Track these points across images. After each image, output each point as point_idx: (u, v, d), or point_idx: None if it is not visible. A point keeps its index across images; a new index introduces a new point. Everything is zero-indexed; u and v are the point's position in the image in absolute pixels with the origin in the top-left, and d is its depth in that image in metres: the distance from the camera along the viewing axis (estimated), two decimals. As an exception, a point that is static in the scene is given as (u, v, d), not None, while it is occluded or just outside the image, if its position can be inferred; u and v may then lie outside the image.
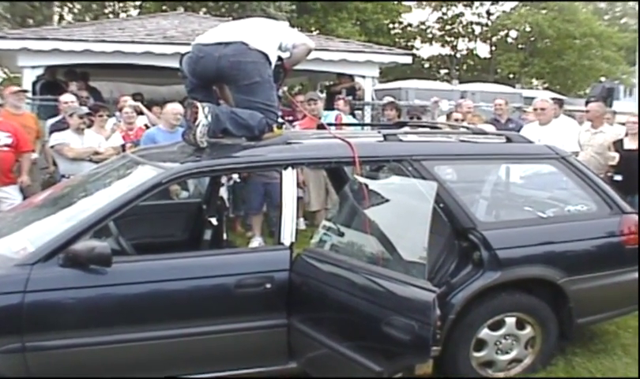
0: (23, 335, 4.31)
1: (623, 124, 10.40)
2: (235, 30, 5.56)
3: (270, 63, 5.52)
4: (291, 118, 10.67)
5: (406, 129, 6.97)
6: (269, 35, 5.61)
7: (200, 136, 5.14)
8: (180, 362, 4.73)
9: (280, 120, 5.80)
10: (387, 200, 5.10)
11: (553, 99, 11.35)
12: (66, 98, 10.06)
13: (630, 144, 9.39)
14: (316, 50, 14.09)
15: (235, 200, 10.87)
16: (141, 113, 10.59)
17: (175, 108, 8.81)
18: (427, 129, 7.33)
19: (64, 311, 4.44)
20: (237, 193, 10.65)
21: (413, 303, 4.11)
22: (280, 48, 5.69)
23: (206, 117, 5.14)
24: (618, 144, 9.45)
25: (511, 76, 41.41)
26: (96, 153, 8.65)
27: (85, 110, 9.32)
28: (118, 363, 4.58)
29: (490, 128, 9.25)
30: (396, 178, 5.37)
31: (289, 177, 5.09)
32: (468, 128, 7.40)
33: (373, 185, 5.22)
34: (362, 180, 5.24)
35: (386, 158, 5.49)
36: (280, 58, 5.71)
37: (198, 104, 5.18)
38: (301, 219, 10.44)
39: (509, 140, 6.14)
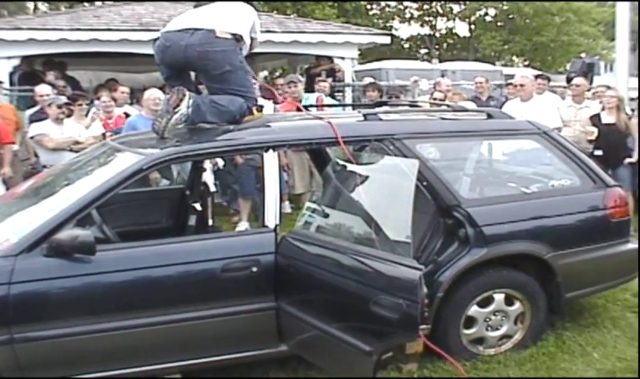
0: (11, 327, 4.28)
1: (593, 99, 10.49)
2: (202, 16, 5.48)
3: (241, 48, 5.47)
4: (272, 101, 10.64)
5: (386, 108, 6.94)
6: (241, 18, 5.55)
7: (173, 124, 5.09)
8: (169, 349, 4.72)
9: (259, 102, 5.76)
10: (370, 180, 5.07)
11: (539, 75, 11.38)
12: (42, 89, 9.94)
13: (607, 118, 9.42)
14: (294, 32, 14.22)
15: (224, 186, 10.83)
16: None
17: (154, 94, 8.72)
18: (408, 108, 7.31)
19: (51, 301, 4.41)
20: (225, 177, 10.59)
21: (400, 282, 4.11)
22: (251, 31, 5.63)
23: (187, 107, 5.10)
24: (595, 119, 9.47)
25: (492, 54, 41.39)
26: (77, 143, 8.60)
27: (64, 99, 9.24)
28: (106, 351, 4.56)
29: (471, 105, 9.24)
30: (378, 158, 5.35)
31: (271, 159, 5.06)
32: (449, 106, 7.40)
33: (355, 165, 5.20)
34: (343, 160, 5.22)
35: (367, 137, 5.47)
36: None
37: (187, 93, 5.14)
38: (286, 203, 10.44)
39: (489, 116, 6.13)
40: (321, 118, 5.55)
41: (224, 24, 5.36)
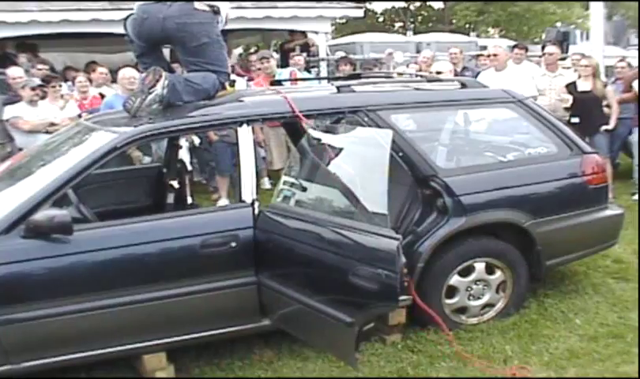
0: (-9, 309, 4.26)
1: (569, 68, 10.52)
2: None
3: (218, 21, 5.43)
4: (246, 77, 10.61)
5: (361, 80, 6.91)
6: None
7: (147, 104, 5.05)
8: (151, 327, 4.71)
9: (232, 78, 5.72)
10: (345, 152, 5.04)
11: (516, 45, 11.39)
12: (14, 72, 9.79)
13: (583, 85, 9.43)
14: (266, 8, 14.14)
15: (201, 163, 10.79)
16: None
17: (128, 72, 8.67)
18: (382, 80, 7.29)
19: (30, 282, 4.39)
20: (202, 155, 10.55)
21: (378, 252, 4.10)
22: None
23: (163, 88, 5.05)
24: (571, 87, 9.49)
25: (467, 25, 41.33)
26: (52, 124, 8.56)
27: (37, 81, 9.18)
28: (88, 331, 4.54)
29: (446, 66, 9.20)
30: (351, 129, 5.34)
31: (245, 134, 5.04)
32: (422, 76, 7.39)
33: (329, 137, 5.19)
34: (317, 133, 5.21)
35: (341, 109, 5.43)
36: None
37: (163, 73, 5.09)
38: (265, 179, 10.43)
39: (464, 85, 6.15)
40: (279, 93, 5.50)
41: None
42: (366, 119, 5.28)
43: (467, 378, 4.80)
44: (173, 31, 5.29)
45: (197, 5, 5.26)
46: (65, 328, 4.48)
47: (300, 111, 5.16)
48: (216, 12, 5.40)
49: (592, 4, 12.89)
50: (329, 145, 5.05)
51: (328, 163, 4.95)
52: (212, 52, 5.38)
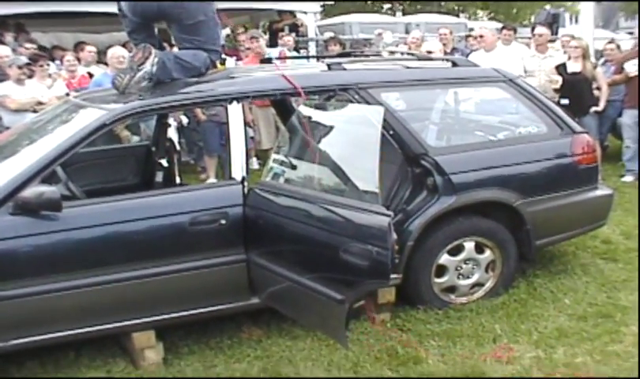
0: (-20, 286, 4.25)
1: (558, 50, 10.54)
2: None
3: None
4: (235, 57, 10.56)
5: (351, 58, 6.88)
6: None
7: (136, 81, 5.01)
8: (140, 304, 4.69)
9: (222, 56, 5.69)
10: (335, 129, 5.03)
11: (504, 26, 11.39)
12: (1, 51, 9.72)
13: (573, 67, 9.43)
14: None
15: (190, 143, 10.76)
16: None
17: (118, 52, 8.68)
18: (373, 58, 7.26)
19: (19, 259, 4.37)
20: (191, 135, 10.52)
21: (369, 229, 4.07)
22: None
23: (152, 65, 5.01)
24: (561, 68, 9.49)
25: (456, 7, 41.25)
26: (40, 103, 8.50)
27: (24, 60, 9.12)
28: (77, 308, 4.53)
29: (436, 46, 9.20)
30: (342, 106, 5.32)
31: (235, 111, 5.02)
32: (412, 54, 7.36)
33: (320, 115, 5.17)
34: (307, 110, 5.18)
35: (331, 87, 5.40)
36: None
37: (153, 50, 5.04)
38: (254, 159, 10.41)
39: (455, 64, 6.11)
40: (278, 69, 5.48)
41: None
42: (356, 97, 5.26)
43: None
44: (169, 8, 5.25)
45: None
46: (54, 306, 4.46)
47: (290, 89, 5.14)
48: None
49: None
50: (319, 122, 5.02)
51: (318, 141, 4.93)
52: (208, 30, 5.35)
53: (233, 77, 5.44)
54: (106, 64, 9.61)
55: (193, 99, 5.23)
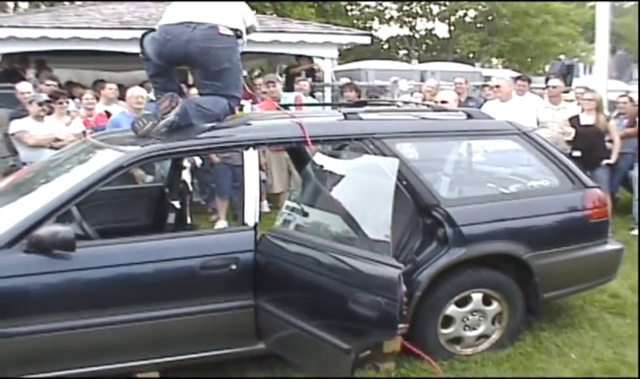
0: (-9, 322, 4.27)
1: (572, 100, 10.57)
2: (202, 8, 5.37)
3: (239, 45, 5.45)
4: (251, 100, 10.64)
5: (367, 108, 6.94)
6: (239, 12, 5.50)
7: (158, 129, 5.05)
8: (147, 346, 4.71)
9: (241, 102, 5.75)
10: (349, 179, 5.07)
11: (519, 77, 11.45)
12: (23, 87, 9.89)
13: (586, 119, 9.47)
14: (274, 32, 14.23)
15: (202, 184, 10.82)
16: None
17: (137, 92, 8.78)
18: (388, 108, 7.31)
19: (30, 297, 4.39)
20: (203, 176, 10.59)
21: (379, 280, 4.11)
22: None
23: (177, 115, 5.06)
24: (574, 120, 9.53)
25: (471, 55, 41.50)
26: (57, 140, 8.60)
27: (45, 97, 9.22)
28: (85, 347, 4.55)
29: (451, 96, 9.26)
30: (357, 156, 5.36)
31: (251, 157, 5.06)
32: (428, 105, 7.41)
33: (334, 164, 5.21)
34: (322, 159, 5.23)
35: (347, 136, 5.46)
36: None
37: (180, 100, 5.10)
38: (265, 202, 10.43)
39: (469, 116, 6.14)
40: (294, 118, 5.53)
41: (225, 19, 5.33)
42: (371, 147, 5.30)
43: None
44: (196, 55, 5.29)
45: (222, 30, 5.27)
46: (62, 344, 4.48)
47: (309, 136, 5.20)
48: (239, 36, 5.43)
49: (597, 37, 12.88)
50: (334, 171, 5.08)
51: (332, 190, 4.97)
52: (231, 77, 5.39)
53: (250, 124, 5.50)
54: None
55: (211, 144, 5.31)
